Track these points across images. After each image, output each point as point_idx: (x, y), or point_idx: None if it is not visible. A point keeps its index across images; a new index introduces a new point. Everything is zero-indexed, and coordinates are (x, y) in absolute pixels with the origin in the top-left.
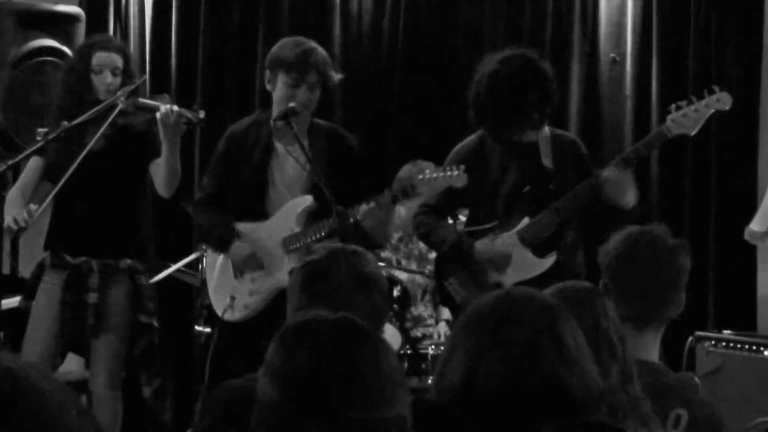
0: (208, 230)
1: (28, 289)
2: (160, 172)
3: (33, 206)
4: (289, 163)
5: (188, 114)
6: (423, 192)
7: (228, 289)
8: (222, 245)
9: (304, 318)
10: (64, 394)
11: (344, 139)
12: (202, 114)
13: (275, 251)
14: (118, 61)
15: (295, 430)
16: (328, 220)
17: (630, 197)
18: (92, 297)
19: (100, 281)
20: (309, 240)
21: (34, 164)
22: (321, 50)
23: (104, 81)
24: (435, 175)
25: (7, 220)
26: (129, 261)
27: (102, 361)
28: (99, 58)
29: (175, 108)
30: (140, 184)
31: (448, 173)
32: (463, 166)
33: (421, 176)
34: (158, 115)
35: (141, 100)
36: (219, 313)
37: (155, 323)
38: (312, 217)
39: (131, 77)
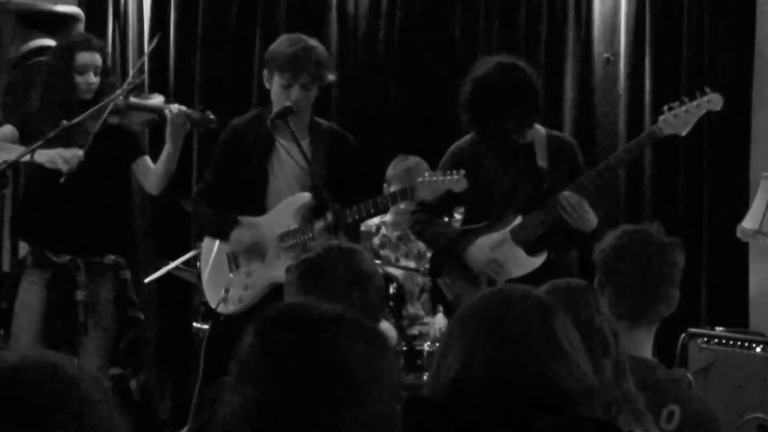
0: (209, 219)
1: (8, 288)
2: (157, 169)
3: (80, 151)
4: (288, 160)
5: (197, 115)
6: (422, 194)
7: (222, 282)
8: (223, 232)
9: (286, 307)
10: (100, 390)
11: (345, 139)
12: (212, 115)
13: (272, 246)
14: (99, 60)
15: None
16: (325, 217)
17: (585, 223)
18: (81, 295)
19: (87, 278)
20: (306, 236)
21: (8, 130)
22: (317, 49)
23: (87, 81)
24: (435, 178)
25: (54, 157)
26: (113, 257)
27: (92, 357)
28: (82, 58)
29: (184, 109)
30: (123, 181)
31: (448, 177)
32: (463, 171)
33: (420, 179)
34: (169, 114)
35: (136, 100)
36: (213, 305)
37: (141, 316)
38: (310, 213)
39: (109, 75)
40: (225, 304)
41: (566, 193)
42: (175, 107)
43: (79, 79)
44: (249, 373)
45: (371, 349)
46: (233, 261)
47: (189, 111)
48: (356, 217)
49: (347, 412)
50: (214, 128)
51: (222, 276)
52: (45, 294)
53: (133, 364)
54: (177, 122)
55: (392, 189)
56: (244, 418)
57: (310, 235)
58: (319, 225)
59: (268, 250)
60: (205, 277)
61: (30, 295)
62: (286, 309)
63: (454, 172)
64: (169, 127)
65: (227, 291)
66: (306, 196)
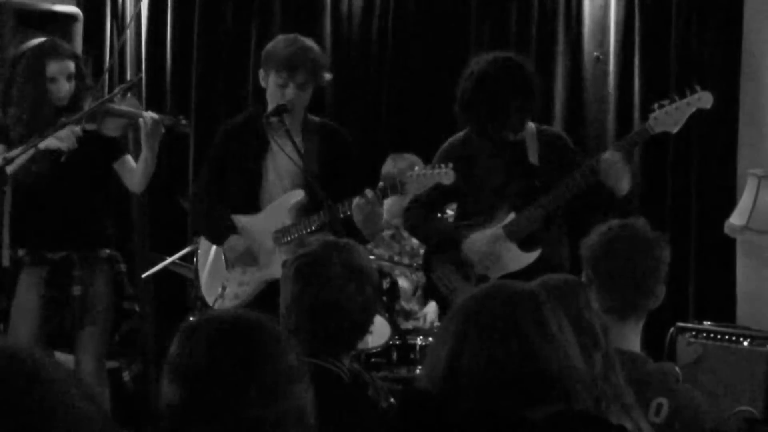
0: (204, 223)
1: (6, 287)
2: (136, 171)
3: (76, 127)
4: (282, 158)
5: (168, 120)
6: (411, 188)
7: (219, 279)
8: (218, 238)
9: (204, 314)
10: (70, 379)
11: (338, 134)
12: (184, 120)
13: (266, 244)
14: (71, 66)
15: (196, 429)
16: (319, 214)
17: (625, 183)
18: (76, 290)
19: (82, 273)
20: (300, 233)
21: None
22: (313, 48)
23: (61, 89)
24: (424, 172)
25: (54, 142)
26: (107, 250)
27: (88, 350)
28: (52, 67)
29: (156, 116)
30: (107, 179)
31: (436, 171)
32: (451, 164)
33: (409, 173)
34: (143, 122)
35: (113, 106)
36: (209, 302)
37: (137, 308)
38: (303, 210)
39: (84, 79)
40: (222, 300)
41: (608, 153)
42: (148, 114)
43: (51, 87)
44: (174, 372)
45: (276, 348)
46: (231, 262)
47: (161, 117)
48: (348, 212)
49: (265, 410)
50: (186, 132)
51: (219, 273)
52: (42, 291)
53: (126, 356)
54: (149, 129)
55: None
56: (176, 413)
57: (305, 231)
58: (313, 220)
59: (259, 258)
60: (203, 274)
61: (27, 293)
62: (200, 319)
63: (442, 165)
64: (143, 134)
65: (224, 288)
66: (299, 193)
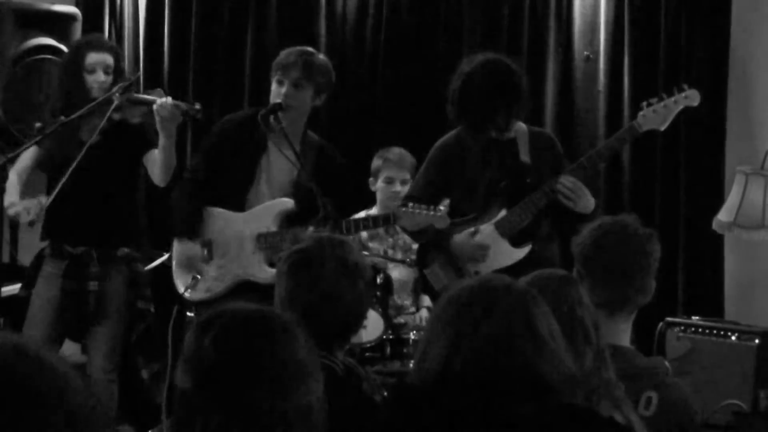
0: (176, 212)
1: (27, 278)
2: (157, 162)
3: (43, 199)
4: (277, 165)
5: (184, 106)
6: (404, 223)
7: (192, 269)
8: (177, 233)
9: (218, 308)
10: (67, 370)
11: (333, 158)
12: (198, 105)
13: (247, 245)
14: (109, 59)
15: (204, 418)
16: (304, 228)
17: (584, 204)
18: (92, 285)
19: (99, 270)
20: (284, 243)
21: (30, 152)
22: (314, 54)
23: (97, 80)
24: (419, 210)
25: (18, 210)
26: (126, 249)
27: (100, 346)
28: (91, 57)
29: (171, 100)
30: (135, 175)
31: (431, 212)
32: (446, 209)
33: (404, 208)
34: (155, 106)
35: (135, 95)
36: (180, 290)
37: (152, 309)
38: (288, 220)
39: (122, 74)
40: (193, 291)
41: (563, 178)
42: (162, 99)
43: (89, 78)
44: (186, 363)
45: (287, 344)
46: (208, 251)
47: (174, 101)
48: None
49: (271, 404)
50: (198, 118)
51: (194, 263)
52: (60, 283)
53: (145, 355)
54: (163, 113)
55: (383, 176)
56: (186, 402)
57: (288, 241)
58: (296, 231)
59: (237, 250)
60: (176, 260)
61: (46, 285)
62: (213, 312)
63: (439, 208)
64: (157, 119)
65: (195, 278)
66: (289, 202)
